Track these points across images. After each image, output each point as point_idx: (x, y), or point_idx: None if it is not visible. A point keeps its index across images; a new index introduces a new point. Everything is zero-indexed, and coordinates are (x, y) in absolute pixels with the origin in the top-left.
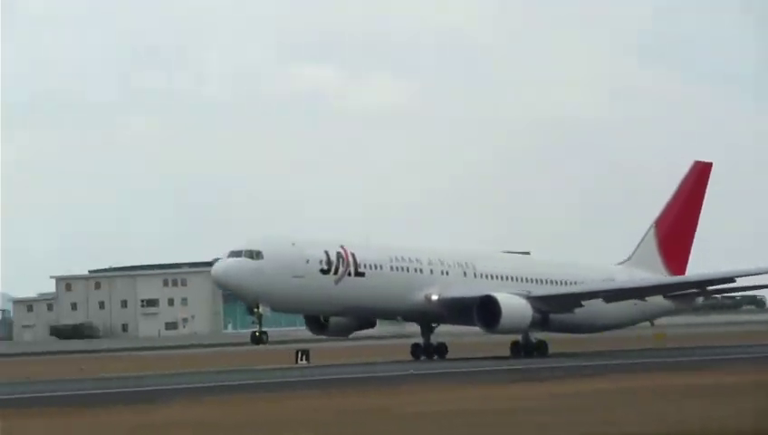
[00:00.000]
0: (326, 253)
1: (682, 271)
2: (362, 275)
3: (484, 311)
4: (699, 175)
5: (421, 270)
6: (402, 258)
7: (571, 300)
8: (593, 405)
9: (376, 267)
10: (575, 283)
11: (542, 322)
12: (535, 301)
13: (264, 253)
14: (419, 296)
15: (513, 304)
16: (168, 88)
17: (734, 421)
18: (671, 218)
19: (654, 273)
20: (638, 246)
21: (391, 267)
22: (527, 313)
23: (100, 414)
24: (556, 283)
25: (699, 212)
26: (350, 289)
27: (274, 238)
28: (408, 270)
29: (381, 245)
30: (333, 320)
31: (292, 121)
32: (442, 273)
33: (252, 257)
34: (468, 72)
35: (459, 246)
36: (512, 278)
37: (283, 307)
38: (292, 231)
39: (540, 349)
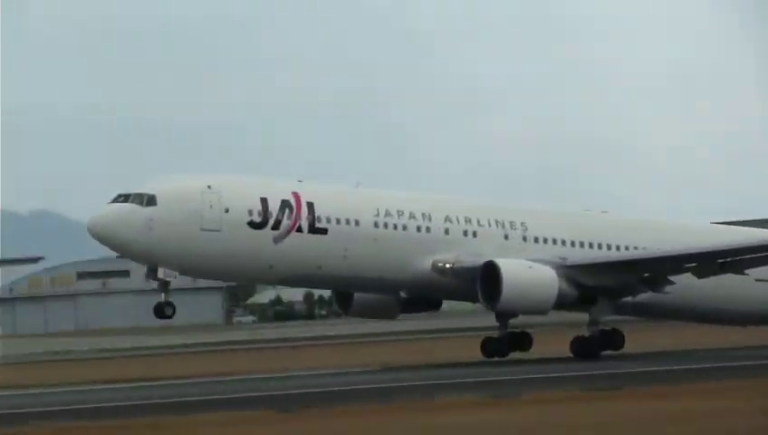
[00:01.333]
0: (263, 200)
1: None
2: (323, 231)
3: (487, 283)
4: None
5: (428, 229)
6: (395, 211)
7: (632, 270)
8: None
9: (348, 222)
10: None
11: (585, 300)
12: (571, 271)
13: (160, 197)
14: (423, 264)
15: (522, 275)
16: None
17: None
18: None
19: None
20: None
21: (375, 223)
22: (548, 288)
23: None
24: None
25: None
26: (299, 251)
27: (179, 179)
28: (404, 228)
29: (367, 194)
30: (357, 296)
31: None
32: (466, 234)
33: (141, 203)
34: None
35: (503, 202)
36: (574, 243)
37: (194, 271)
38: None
39: (610, 342)
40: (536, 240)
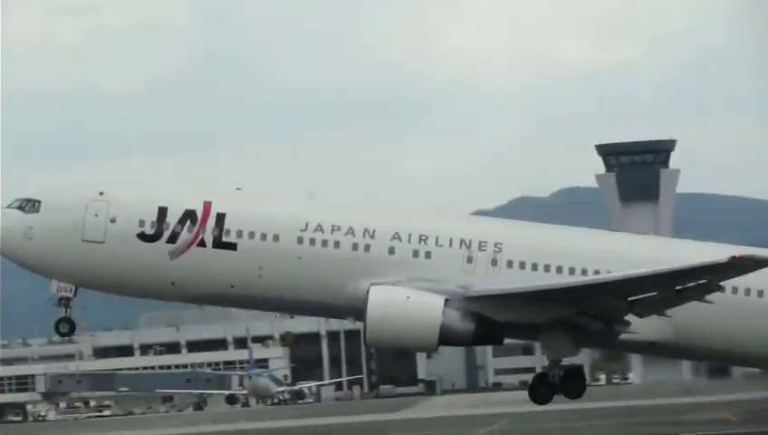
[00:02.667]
0: (161, 210)
1: None
2: (231, 246)
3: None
4: None
5: (368, 247)
6: (328, 226)
7: (555, 303)
8: None
9: (265, 237)
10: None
11: (488, 337)
12: (472, 303)
13: (44, 204)
14: (359, 288)
15: (393, 308)
16: None
17: None
18: None
19: None
20: None
21: (300, 239)
22: (425, 323)
23: None
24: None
25: None
26: (202, 268)
27: (74, 184)
28: (336, 245)
29: (288, 203)
30: None
31: None
32: (416, 254)
33: (24, 209)
34: None
35: (477, 218)
36: (561, 269)
37: (87, 285)
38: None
39: (565, 385)
40: (511, 265)
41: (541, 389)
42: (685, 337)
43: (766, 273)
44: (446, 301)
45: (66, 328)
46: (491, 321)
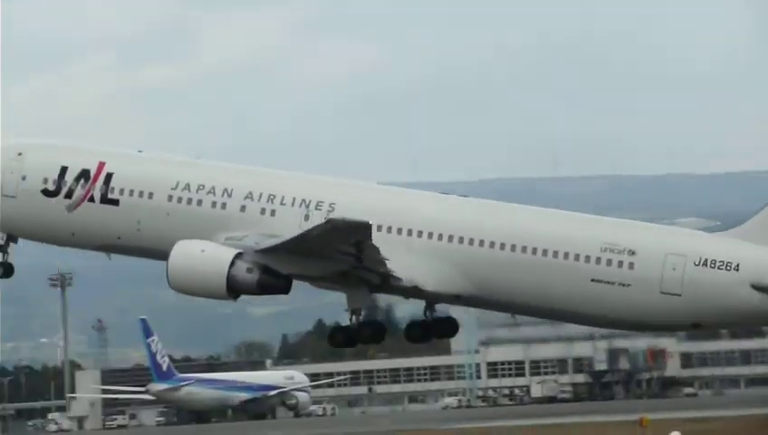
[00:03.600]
0: (62, 169)
1: None
2: (114, 202)
3: None
4: None
5: (224, 205)
6: (195, 186)
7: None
8: None
9: (142, 194)
10: (539, 249)
11: (273, 287)
12: (260, 256)
13: None
14: (218, 241)
15: (188, 260)
16: None
17: None
18: None
19: None
20: (763, 213)
21: (170, 197)
22: (212, 273)
23: None
24: (469, 241)
25: None
26: (93, 221)
27: (2, 146)
28: (199, 203)
29: (168, 163)
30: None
31: None
32: (263, 212)
33: None
34: None
35: (322, 176)
36: (408, 231)
37: (6, 229)
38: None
39: (375, 335)
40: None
41: (341, 338)
42: (486, 291)
43: (553, 235)
44: (239, 254)
45: (1, 271)
46: (277, 273)
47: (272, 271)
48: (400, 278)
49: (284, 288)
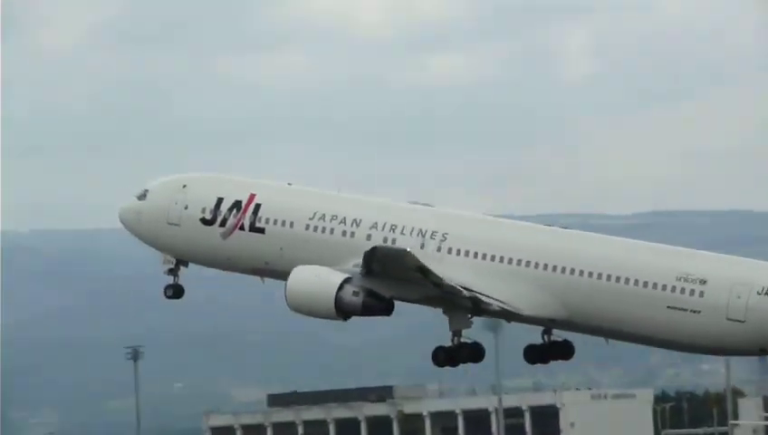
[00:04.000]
0: (218, 200)
1: None
2: (261, 231)
3: None
4: None
5: (353, 234)
6: (329, 216)
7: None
8: None
9: (284, 224)
10: (623, 278)
11: (377, 309)
12: (367, 281)
13: (150, 193)
14: (348, 267)
15: (301, 283)
16: None
17: None
18: None
19: None
20: None
21: (307, 226)
22: (322, 296)
23: None
24: (562, 269)
25: None
26: (243, 247)
27: (170, 178)
28: (332, 232)
29: (308, 195)
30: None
31: None
32: (385, 241)
33: (139, 197)
34: None
35: (442, 208)
36: (508, 260)
37: (174, 254)
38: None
39: (474, 355)
40: (450, 251)
41: (443, 358)
42: (578, 316)
43: (636, 265)
44: (347, 279)
45: (171, 292)
46: (380, 296)
47: (375, 294)
48: (489, 303)
49: (387, 310)
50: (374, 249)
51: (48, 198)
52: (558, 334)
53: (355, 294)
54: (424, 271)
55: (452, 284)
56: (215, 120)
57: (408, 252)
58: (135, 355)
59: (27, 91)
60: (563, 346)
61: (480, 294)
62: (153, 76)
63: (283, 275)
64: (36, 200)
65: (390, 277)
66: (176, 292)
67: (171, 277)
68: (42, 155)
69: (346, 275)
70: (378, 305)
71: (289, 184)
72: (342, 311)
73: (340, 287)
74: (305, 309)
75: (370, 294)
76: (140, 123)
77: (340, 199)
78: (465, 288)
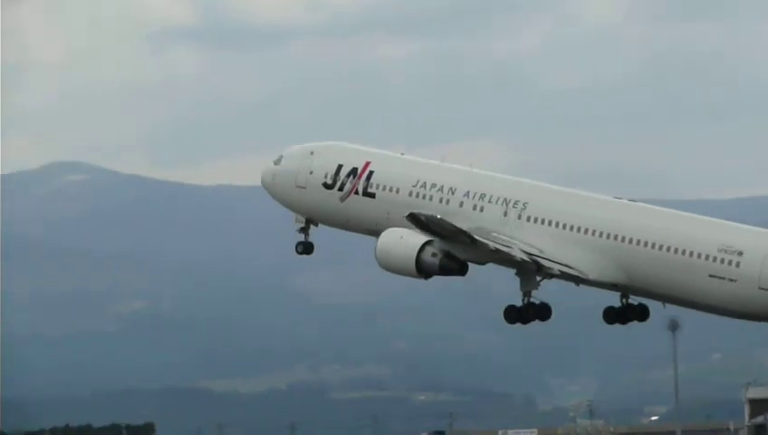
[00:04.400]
0: (338, 166)
1: None
2: (372, 196)
3: None
4: None
5: (448, 201)
6: (430, 184)
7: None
8: None
9: (392, 190)
10: (655, 242)
11: (452, 269)
12: (445, 244)
13: (284, 158)
14: None
15: (388, 243)
16: None
17: None
18: None
19: None
20: None
21: (410, 193)
22: (404, 256)
23: None
24: (618, 238)
25: None
26: (355, 209)
27: (301, 145)
28: (431, 198)
29: (415, 164)
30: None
31: None
32: (474, 208)
33: (275, 162)
34: None
35: (523, 178)
36: (577, 229)
37: (303, 214)
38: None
39: (537, 313)
40: (529, 219)
41: (513, 315)
42: (636, 282)
43: (685, 236)
44: (429, 241)
45: (301, 248)
46: (456, 258)
47: (452, 256)
48: (550, 267)
49: (461, 271)
50: (410, 215)
51: None
52: (634, 298)
53: (434, 255)
54: (464, 233)
55: (499, 246)
56: None
57: (439, 218)
58: (673, 326)
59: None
60: (639, 309)
61: (541, 257)
62: None
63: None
64: None
65: (457, 241)
66: (305, 248)
67: (302, 235)
68: None
69: (427, 238)
70: (453, 266)
71: (402, 154)
72: (423, 270)
73: (422, 249)
74: (392, 268)
75: (447, 255)
76: None
77: (441, 169)
78: (527, 253)
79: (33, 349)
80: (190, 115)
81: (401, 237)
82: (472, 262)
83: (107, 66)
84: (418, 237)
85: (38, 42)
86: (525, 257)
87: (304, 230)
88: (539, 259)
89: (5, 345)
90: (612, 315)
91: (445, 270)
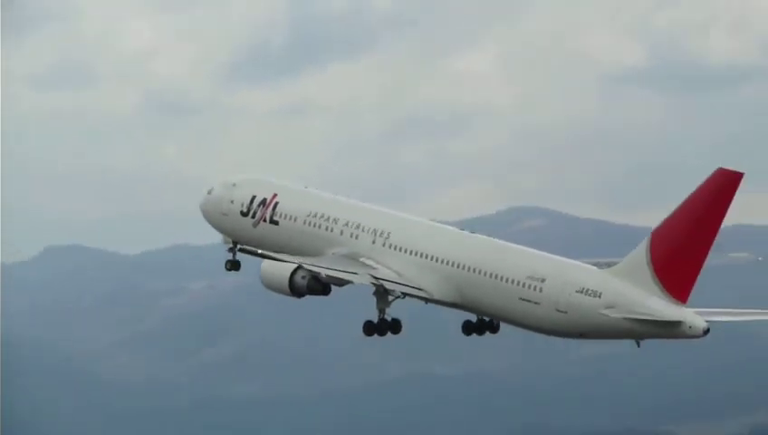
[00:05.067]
0: (252, 197)
1: (683, 296)
2: (276, 223)
3: None
4: (723, 185)
5: (332, 229)
6: (320, 215)
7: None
8: None
9: (291, 218)
10: (479, 269)
11: (317, 290)
12: (309, 268)
13: (214, 189)
14: (326, 254)
15: (267, 268)
16: None
17: None
18: (674, 231)
19: (640, 289)
20: (631, 255)
21: (305, 221)
22: (278, 279)
23: None
24: (453, 264)
25: (717, 229)
26: (265, 235)
27: (228, 177)
28: (319, 227)
29: (312, 195)
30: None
31: None
32: (351, 236)
33: (208, 192)
34: None
35: (396, 212)
36: (425, 256)
37: (229, 236)
38: (267, 174)
39: (390, 327)
40: (391, 247)
41: (369, 329)
42: (467, 301)
43: (502, 265)
44: (299, 266)
45: (229, 266)
46: (319, 280)
47: (317, 279)
48: (393, 289)
49: (324, 291)
50: (240, 249)
51: None
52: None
53: (303, 278)
54: (273, 258)
55: (339, 274)
56: None
57: (250, 249)
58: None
59: None
60: (491, 324)
61: (387, 281)
62: None
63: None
64: None
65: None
66: (233, 265)
67: (230, 254)
68: None
69: (297, 265)
70: (317, 287)
71: (305, 187)
72: (294, 290)
73: (294, 272)
74: (272, 287)
75: (313, 278)
76: None
77: (330, 202)
78: (375, 277)
79: None
80: (641, 160)
81: (278, 264)
82: (333, 284)
83: (557, 108)
84: (290, 265)
85: (492, 85)
86: (365, 282)
87: (232, 250)
88: (384, 283)
89: None
90: (470, 328)
91: (312, 290)
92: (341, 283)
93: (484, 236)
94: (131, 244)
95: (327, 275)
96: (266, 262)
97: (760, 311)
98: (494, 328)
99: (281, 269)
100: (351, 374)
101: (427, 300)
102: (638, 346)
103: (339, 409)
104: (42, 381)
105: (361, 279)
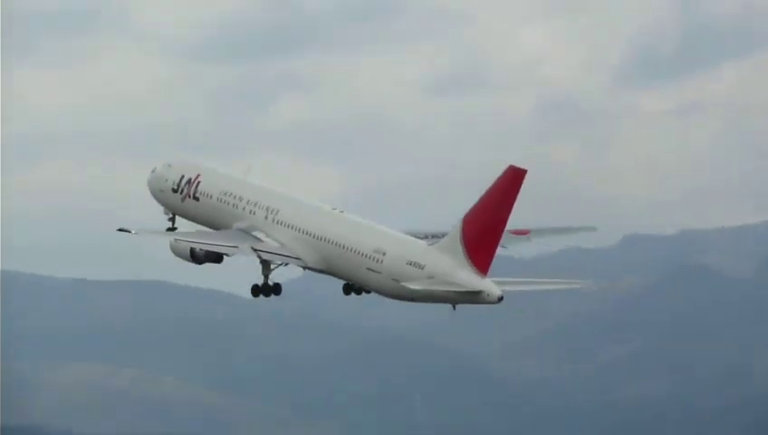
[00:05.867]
0: (181, 176)
1: (485, 268)
2: (197, 199)
3: None
4: (512, 180)
5: (236, 206)
6: (229, 193)
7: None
8: None
9: (208, 196)
10: (338, 243)
11: (213, 259)
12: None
13: (156, 169)
14: (233, 227)
15: (175, 242)
16: None
17: None
18: (478, 216)
19: (454, 262)
20: (448, 234)
21: (218, 199)
22: (186, 246)
23: None
24: (319, 238)
25: (507, 217)
26: (189, 209)
27: (168, 159)
28: (228, 204)
29: (227, 177)
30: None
31: None
32: (250, 212)
33: (152, 171)
34: None
35: (287, 191)
36: (301, 230)
37: (168, 209)
38: (202, 158)
39: (272, 290)
40: (280, 223)
41: (258, 291)
42: (333, 269)
43: (357, 240)
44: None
45: (169, 228)
46: (212, 253)
47: (210, 252)
48: (271, 259)
49: (217, 260)
50: (119, 229)
51: None
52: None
53: (201, 250)
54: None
55: (219, 247)
56: None
57: (125, 229)
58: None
59: None
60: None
61: (265, 252)
62: None
63: (212, 228)
64: None
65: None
66: (171, 230)
67: (170, 223)
68: None
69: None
70: (212, 256)
71: (247, 171)
72: (195, 258)
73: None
74: (179, 256)
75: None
76: None
77: (242, 184)
78: (254, 248)
79: None
80: None
81: (176, 240)
82: (225, 254)
83: None
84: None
85: None
86: (242, 253)
87: (172, 220)
88: (262, 253)
89: None
90: (348, 289)
91: (208, 258)
92: (229, 253)
93: (350, 215)
94: None
95: (201, 249)
96: (172, 241)
97: (553, 280)
98: (368, 290)
99: (183, 245)
100: None
101: (304, 268)
102: (454, 309)
103: None
104: None
105: (242, 251)
